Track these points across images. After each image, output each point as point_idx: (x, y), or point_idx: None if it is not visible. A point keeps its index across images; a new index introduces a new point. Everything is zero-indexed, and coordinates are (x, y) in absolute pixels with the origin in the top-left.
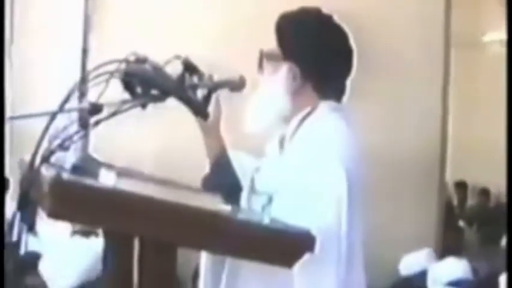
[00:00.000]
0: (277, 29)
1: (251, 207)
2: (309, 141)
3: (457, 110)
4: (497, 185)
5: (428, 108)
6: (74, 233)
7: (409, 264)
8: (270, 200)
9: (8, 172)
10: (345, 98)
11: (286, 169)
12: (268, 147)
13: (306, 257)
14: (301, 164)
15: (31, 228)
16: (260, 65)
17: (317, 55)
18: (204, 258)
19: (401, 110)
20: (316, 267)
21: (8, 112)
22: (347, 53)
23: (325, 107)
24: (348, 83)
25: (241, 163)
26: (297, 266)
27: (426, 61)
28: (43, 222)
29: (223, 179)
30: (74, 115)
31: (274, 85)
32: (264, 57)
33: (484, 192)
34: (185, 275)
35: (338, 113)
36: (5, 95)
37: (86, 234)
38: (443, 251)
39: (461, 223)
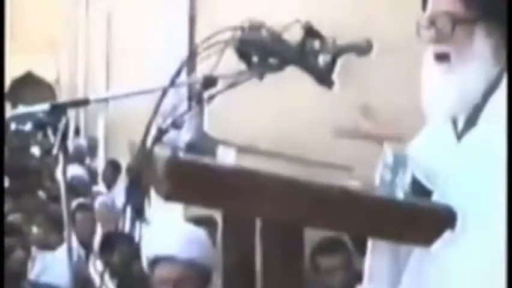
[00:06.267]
0: None
1: (385, 182)
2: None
3: None
4: None
5: None
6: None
7: None
8: (404, 166)
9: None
10: None
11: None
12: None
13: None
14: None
15: (140, 214)
16: (444, 37)
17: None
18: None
19: None
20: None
21: (106, 90)
22: None
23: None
24: None
25: None
26: None
27: None
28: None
29: None
30: (184, 92)
31: (479, 56)
32: (454, 25)
33: None
34: None
35: None
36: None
37: (199, 222)
38: None
39: None
